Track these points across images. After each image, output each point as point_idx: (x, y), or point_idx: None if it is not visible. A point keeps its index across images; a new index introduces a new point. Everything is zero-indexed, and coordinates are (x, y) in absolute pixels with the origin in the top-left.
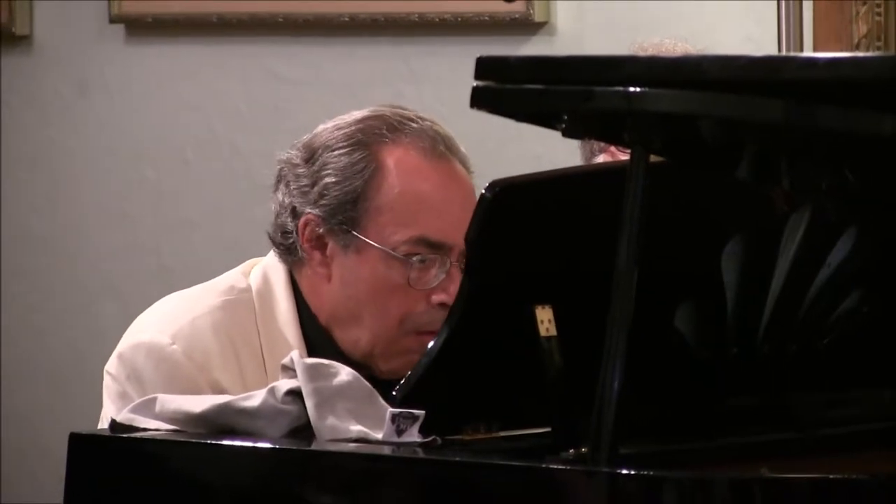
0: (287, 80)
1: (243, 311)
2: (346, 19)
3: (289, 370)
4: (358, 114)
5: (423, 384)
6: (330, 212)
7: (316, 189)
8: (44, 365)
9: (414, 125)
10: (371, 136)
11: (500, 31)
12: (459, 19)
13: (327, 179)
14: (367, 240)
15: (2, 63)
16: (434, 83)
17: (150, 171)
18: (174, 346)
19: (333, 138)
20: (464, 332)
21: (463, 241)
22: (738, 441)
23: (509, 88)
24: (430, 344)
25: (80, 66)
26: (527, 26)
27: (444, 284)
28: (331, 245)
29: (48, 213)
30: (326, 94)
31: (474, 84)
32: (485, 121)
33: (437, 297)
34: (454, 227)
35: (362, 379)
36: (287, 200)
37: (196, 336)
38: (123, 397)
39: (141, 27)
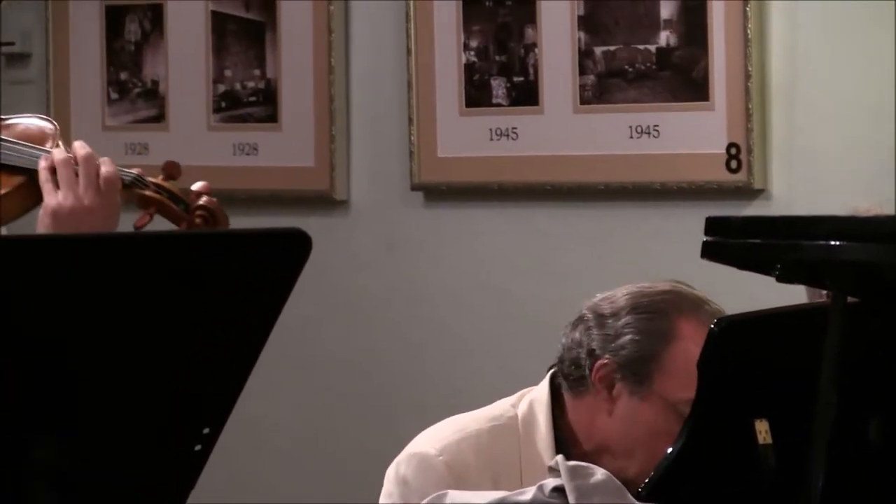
0: (553, 236)
1: (508, 435)
2: (602, 187)
3: (554, 471)
4: (660, 286)
5: (662, 483)
6: (626, 362)
7: (618, 342)
8: (352, 468)
9: (707, 308)
10: (673, 310)
11: (726, 196)
12: (693, 187)
13: (630, 336)
14: (656, 392)
15: (325, 223)
16: (672, 239)
17: (443, 309)
18: (440, 458)
19: (640, 304)
20: (696, 439)
21: None
22: None
23: (733, 243)
24: (669, 449)
25: (388, 226)
26: (748, 192)
27: None
28: (618, 386)
29: (358, 342)
30: (584, 248)
31: (704, 239)
32: (713, 269)
33: None
34: None
35: (615, 478)
36: (585, 340)
37: (461, 453)
38: (390, 496)
39: (437, 193)
